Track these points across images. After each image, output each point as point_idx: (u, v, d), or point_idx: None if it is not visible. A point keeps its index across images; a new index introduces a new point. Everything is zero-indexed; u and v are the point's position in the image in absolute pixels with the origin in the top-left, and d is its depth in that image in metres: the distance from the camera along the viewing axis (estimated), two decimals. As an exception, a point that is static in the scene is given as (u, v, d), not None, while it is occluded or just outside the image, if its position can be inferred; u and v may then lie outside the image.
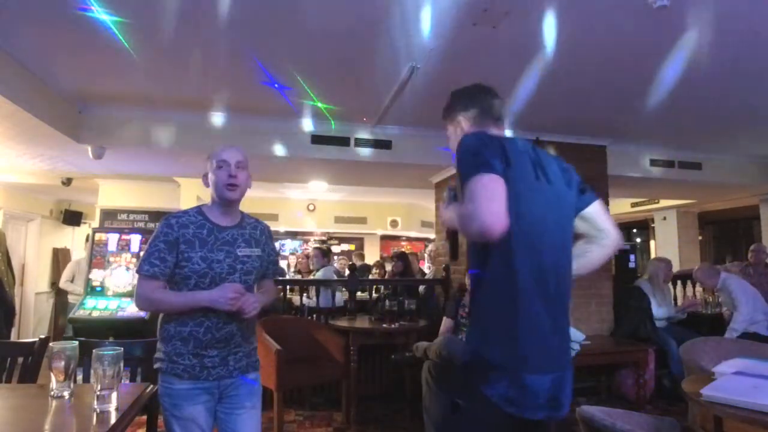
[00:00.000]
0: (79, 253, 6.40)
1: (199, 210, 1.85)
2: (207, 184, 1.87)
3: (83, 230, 7.57)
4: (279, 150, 4.29)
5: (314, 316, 4.65)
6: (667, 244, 8.01)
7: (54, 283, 7.22)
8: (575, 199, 1.52)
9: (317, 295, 4.82)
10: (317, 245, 5.85)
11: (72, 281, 5.35)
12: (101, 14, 2.44)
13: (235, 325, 1.79)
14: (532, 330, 1.33)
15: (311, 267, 6.09)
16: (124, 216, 5.68)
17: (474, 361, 1.37)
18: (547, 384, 1.32)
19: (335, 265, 6.50)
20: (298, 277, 6.73)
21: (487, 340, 1.37)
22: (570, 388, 1.41)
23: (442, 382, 1.77)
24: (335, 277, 5.41)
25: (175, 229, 1.76)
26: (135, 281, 4.84)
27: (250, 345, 1.91)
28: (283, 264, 7.43)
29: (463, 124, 1.63)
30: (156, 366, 1.79)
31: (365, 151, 4.41)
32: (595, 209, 1.53)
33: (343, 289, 5.00)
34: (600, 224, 1.53)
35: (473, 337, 1.46)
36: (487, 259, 1.36)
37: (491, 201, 1.22)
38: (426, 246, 10.29)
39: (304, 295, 4.97)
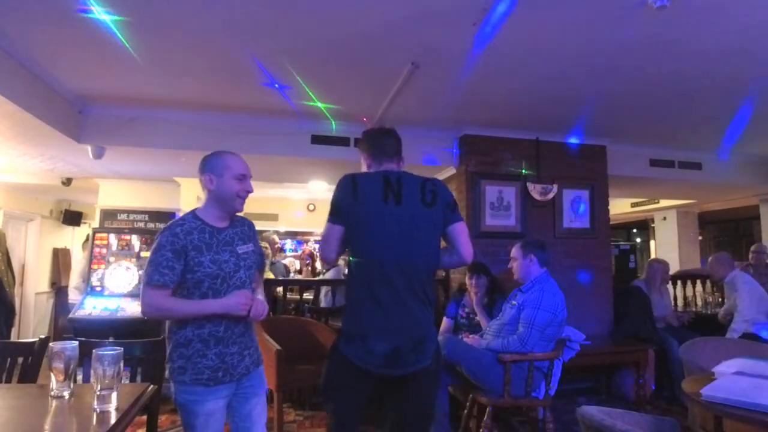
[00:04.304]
0: (78, 252, 6.40)
1: (194, 215, 1.91)
2: (211, 187, 1.90)
3: (83, 230, 7.57)
4: (279, 150, 4.29)
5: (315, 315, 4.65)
6: (667, 244, 8.00)
7: (54, 283, 7.23)
8: (441, 214, 1.98)
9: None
10: None
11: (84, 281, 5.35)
12: (101, 14, 2.44)
13: (246, 320, 1.93)
14: (373, 309, 1.87)
15: (319, 267, 6.06)
16: (124, 216, 5.68)
17: (342, 330, 1.97)
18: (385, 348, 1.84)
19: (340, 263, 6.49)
20: (299, 276, 6.73)
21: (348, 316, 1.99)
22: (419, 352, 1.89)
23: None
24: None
25: (181, 238, 1.80)
26: (135, 281, 4.85)
27: (255, 338, 2.06)
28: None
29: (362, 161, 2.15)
30: (174, 374, 1.81)
31: (365, 151, 4.40)
32: (455, 229, 1.99)
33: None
34: (454, 243, 2.00)
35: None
36: (349, 261, 1.99)
37: (325, 243, 2.03)
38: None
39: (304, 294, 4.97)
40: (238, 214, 2.02)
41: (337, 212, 1.96)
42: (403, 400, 1.96)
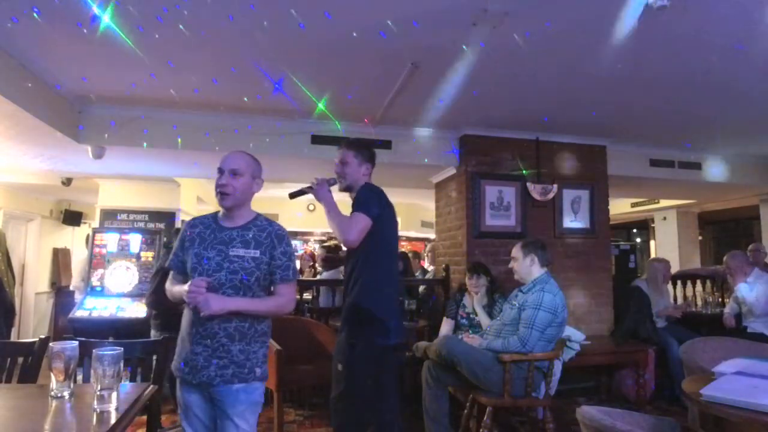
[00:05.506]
0: (80, 252, 6.40)
1: (214, 213, 2.02)
2: None
3: (83, 230, 7.57)
4: (279, 150, 4.29)
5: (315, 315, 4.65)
6: (667, 244, 8.01)
7: (54, 283, 7.23)
8: None
9: (333, 296, 4.83)
10: (326, 245, 5.80)
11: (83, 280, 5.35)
12: (102, 14, 2.44)
13: (217, 324, 1.78)
14: (391, 297, 2.45)
15: (318, 269, 6.05)
16: (124, 216, 5.68)
17: (363, 313, 2.31)
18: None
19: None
20: (300, 277, 6.70)
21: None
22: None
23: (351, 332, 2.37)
24: (342, 278, 5.40)
25: (186, 230, 1.98)
26: (135, 281, 4.88)
27: (243, 353, 1.81)
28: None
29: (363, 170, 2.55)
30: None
31: (365, 151, 4.41)
32: None
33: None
34: None
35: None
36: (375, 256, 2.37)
37: (358, 231, 2.29)
38: (426, 246, 10.30)
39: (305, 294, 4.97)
40: (268, 217, 1.98)
41: (375, 211, 2.35)
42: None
